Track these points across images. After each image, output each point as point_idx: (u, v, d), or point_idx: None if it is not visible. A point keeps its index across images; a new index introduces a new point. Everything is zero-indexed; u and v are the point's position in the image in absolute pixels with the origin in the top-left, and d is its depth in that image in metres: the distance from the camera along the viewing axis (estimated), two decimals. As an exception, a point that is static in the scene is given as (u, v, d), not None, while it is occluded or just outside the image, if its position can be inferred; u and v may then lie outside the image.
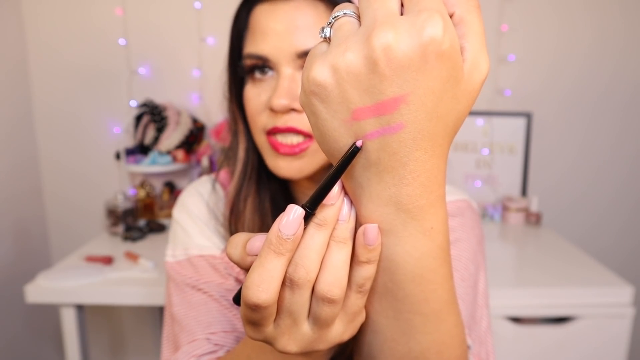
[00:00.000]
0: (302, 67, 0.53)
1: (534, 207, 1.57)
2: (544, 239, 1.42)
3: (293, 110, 0.53)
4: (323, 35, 0.28)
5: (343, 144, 0.28)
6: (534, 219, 1.55)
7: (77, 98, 1.62)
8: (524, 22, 1.58)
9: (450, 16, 0.26)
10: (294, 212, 0.28)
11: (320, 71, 0.26)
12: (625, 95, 1.63)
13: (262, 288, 0.28)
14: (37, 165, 1.66)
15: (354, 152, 0.27)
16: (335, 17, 0.28)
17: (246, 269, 0.32)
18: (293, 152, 0.53)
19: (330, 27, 0.28)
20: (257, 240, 0.31)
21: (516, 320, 1.11)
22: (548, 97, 1.64)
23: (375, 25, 0.25)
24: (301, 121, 0.53)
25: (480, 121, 1.62)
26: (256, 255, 0.31)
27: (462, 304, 0.55)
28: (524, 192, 1.64)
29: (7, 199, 1.49)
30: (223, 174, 0.67)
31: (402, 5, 0.26)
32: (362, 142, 0.27)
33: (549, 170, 1.68)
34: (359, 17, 0.27)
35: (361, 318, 0.34)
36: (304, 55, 0.52)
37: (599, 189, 1.69)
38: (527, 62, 1.61)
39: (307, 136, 0.53)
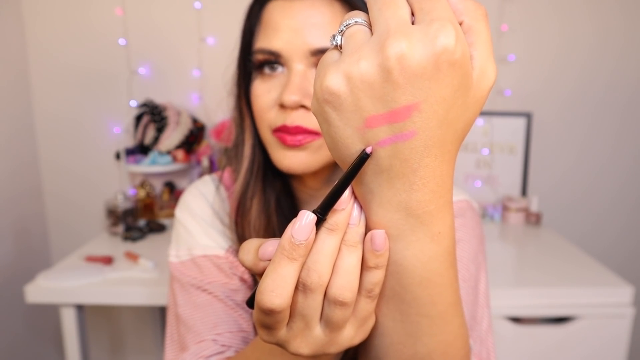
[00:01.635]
0: (314, 64, 0.52)
1: (534, 207, 1.57)
2: (544, 239, 1.42)
3: (303, 107, 0.52)
4: (334, 43, 0.29)
5: (355, 151, 0.28)
6: (534, 219, 1.55)
7: (77, 98, 1.62)
8: (524, 22, 1.59)
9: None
10: (305, 218, 0.29)
11: (334, 79, 0.27)
12: (626, 95, 1.64)
13: (276, 293, 0.29)
14: (37, 165, 1.65)
15: (363, 158, 0.28)
16: (346, 25, 0.28)
17: (259, 274, 0.32)
18: (300, 143, 0.53)
19: (342, 35, 0.28)
20: (270, 245, 0.31)
21: (516, 320, 1.11)
22: (548, 97, 1.64)
23: (388, 35, 0.25)
24: (309, 119, 0.52)
25: (480, 121, 1.62)
26: (269, 260, 0.31)
27: (463, 304, 0.55)
28: (524, 192, 1.64)
29: (7, 198, 1.49)
30: (226, 174, 0.66)
31: (412, 14, 0.26)
32: (372, 149, 0.27)
33: (549, 170, 1.68)
34: (369, 25, 0.28)
35: (371, 322, 0.34)
36: (317, 53, 0.51)
37: (599, 189, 1.70)
38: (527, 62, 1.62)
39: (315, 134, 0.53)
